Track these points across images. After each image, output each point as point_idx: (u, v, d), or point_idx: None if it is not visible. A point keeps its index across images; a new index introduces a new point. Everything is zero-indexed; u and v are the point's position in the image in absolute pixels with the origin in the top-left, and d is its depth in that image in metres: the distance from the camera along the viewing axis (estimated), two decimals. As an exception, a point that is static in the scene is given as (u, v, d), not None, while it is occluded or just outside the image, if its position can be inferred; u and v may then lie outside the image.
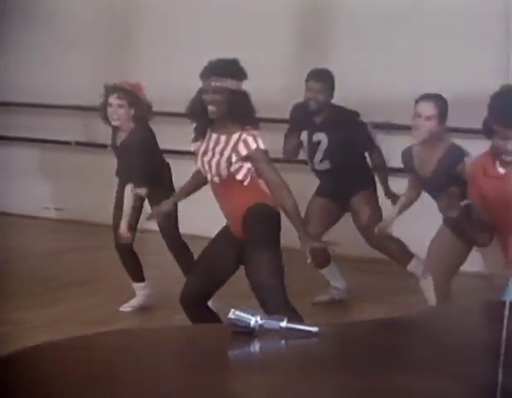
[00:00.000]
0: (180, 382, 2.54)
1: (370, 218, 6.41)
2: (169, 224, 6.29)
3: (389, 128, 7.27)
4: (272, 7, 7.98)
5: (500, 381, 2.38)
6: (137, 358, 2.72)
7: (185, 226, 6.47)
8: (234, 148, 4.94)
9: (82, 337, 2.96)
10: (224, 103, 4.93)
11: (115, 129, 6.35)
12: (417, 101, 5.59)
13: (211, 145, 5.05)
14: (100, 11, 8.91)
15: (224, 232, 5.30)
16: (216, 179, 5.06)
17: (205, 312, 5.30)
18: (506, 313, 2.97)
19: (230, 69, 5.03)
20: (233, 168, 4.98)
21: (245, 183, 5.03)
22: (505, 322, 2.87)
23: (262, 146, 4.95)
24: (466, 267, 5.78)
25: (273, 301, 4.92)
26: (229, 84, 4.97)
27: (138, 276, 6.51)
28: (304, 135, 6.48)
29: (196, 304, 5.27)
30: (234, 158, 4.95)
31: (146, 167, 6.22)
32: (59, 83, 8.84)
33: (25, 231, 9.06)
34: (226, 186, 5.09)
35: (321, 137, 6.40)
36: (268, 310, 4.74)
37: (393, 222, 6.07)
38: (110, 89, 6.19)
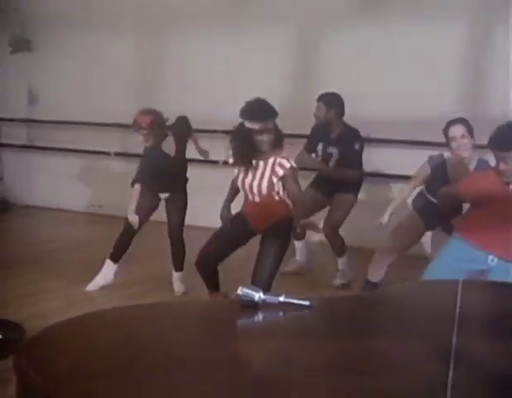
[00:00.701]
0: (197, 345, 2.56)
1: (338, 213, 6.55)
2: (178, 222, 6.35)
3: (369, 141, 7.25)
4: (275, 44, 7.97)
5: (454, 345, 2.44)
6: (163, 326, 2.76)
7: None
8: (273, 171, 5.13)
9: (119, 309, 3.03)
10: (271, 137, 5.14)
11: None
12: (445, 130, 5.49)
13: (251, 170, 5.20)
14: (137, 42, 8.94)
15: (239, 219, 5.45)
16: (257, 198, 5.24)
17: (214, 272, 5.45)
18: (460, 289, 3.02)
19: (271, 111, 5.22)
20: (273, 188, 5.16)
21: (277, 198, 5.23)
22: (459, 296, 2.92)
23: (294, 165, 5.20)
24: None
25: (261, 286, 4.97)
26: (272, 123, 5.16)
27: (117, 257, 6.44)
28: (320, 147, 6.55)
29: (209, 266, 5.42)
30: (274, 180, 5.14)
31: None
32: (102, 104, 8.87)
33: (75, 223, 9.13)
34: (263, 203, 5.25)
35: (333, 150, 6.49)
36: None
37: (387, 217, 5.93)
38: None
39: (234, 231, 5.42)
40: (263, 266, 5.19)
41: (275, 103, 5.17)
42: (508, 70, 6.57)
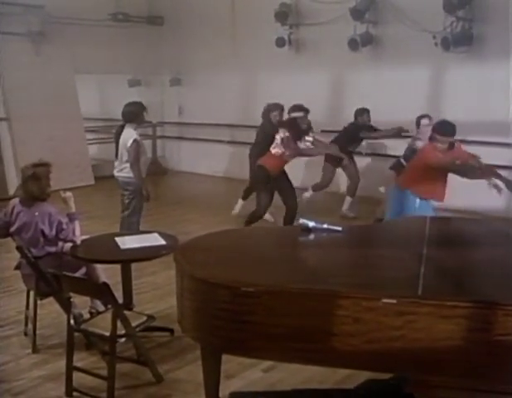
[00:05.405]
0: (275, 250, 2.61)
1: (353, 173, 6.41)
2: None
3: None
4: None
5: (424, 253, 2.40)
6: (257, 238, 2.79)
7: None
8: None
9: (233, 229, 3.07)
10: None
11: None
12: (418, 120, 5.43)
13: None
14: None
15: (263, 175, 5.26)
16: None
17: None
18: (428, 221, 2.95)
19: (304, 108, 5.39)
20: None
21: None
22: (427, 225, 2.86)
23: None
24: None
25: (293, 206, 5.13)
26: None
27: (245, 197, 6.38)
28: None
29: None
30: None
31: None
32: (219, 113, 8.84)
33: (204, 181, 9.01)
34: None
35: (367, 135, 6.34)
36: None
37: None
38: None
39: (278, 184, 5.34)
40: (294, 201, 5.22)
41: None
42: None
